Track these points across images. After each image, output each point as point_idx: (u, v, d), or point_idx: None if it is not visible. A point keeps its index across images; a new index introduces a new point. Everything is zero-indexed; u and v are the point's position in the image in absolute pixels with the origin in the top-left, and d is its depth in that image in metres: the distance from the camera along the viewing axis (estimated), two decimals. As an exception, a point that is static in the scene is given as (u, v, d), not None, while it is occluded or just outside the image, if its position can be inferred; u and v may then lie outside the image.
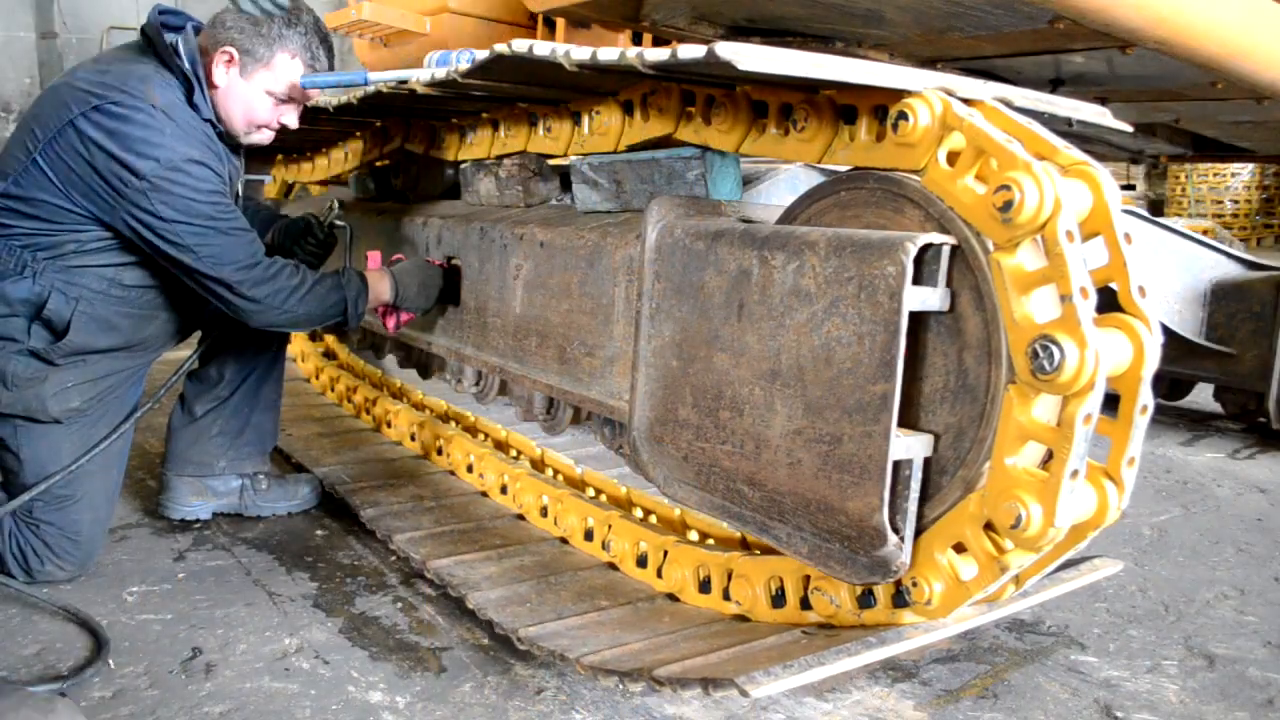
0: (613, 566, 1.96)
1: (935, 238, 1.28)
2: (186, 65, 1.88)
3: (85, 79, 1.81)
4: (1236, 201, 11.61)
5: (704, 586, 1.76)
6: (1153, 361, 1.18)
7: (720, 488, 1.54)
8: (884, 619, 1.41)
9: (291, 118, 2.05)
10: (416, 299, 2.23)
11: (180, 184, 1.77)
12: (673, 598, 1.82)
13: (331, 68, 2.03)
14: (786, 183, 3.08)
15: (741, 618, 1.67)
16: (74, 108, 1.76)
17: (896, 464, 1.30)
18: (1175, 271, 3.36)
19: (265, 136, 2.06)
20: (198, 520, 2.31)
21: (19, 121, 1.91)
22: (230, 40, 1.91)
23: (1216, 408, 3.62)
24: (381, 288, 2.17)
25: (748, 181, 2.06)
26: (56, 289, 1.83)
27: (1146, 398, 1.19)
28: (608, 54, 1.48)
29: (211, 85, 1.93)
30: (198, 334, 2.31)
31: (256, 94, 1.96)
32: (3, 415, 1.88)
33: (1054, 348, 1.13)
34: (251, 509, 2.36)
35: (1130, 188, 10.81)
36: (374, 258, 2.33)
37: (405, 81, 1.91)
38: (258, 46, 1.92)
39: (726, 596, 1.70)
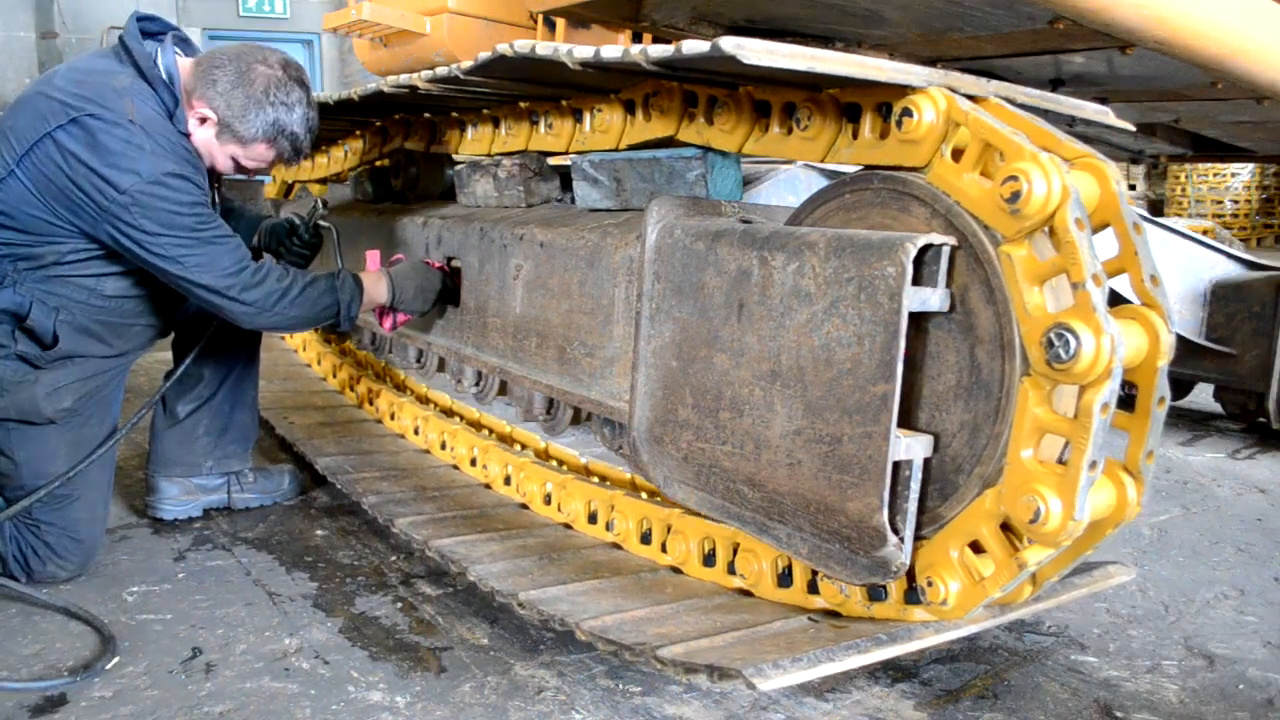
0: (617, 546, 1.97)
1: (935, 238, 1.28)
2: (165, 77, 1.87)
3: (62, 89, 1.79)
4: (1236, 201, 11.61)
5: (708, 560, 1.76)
6: (1169, 351, 1.18)
7: (720, 488, 1.54)
8: (894, 614, 1.40)
9: (256, 168, 2.03)
10: (414, 302, 2.23)
11: (161, 198, 1.76)
12: (676, 570, 1.82)
13: (310, 154, 2.01)
14: (786, 183, 3.08)
15: (745, 592, 1.67)
16: (51, 120, 1.75)
17: (896, 464, 1.30)
18: (1175, 271, 3.36)
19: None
20: (191, 519, 2.32)
21: None
22: (215, 106, 1.88)
23: (1216, 408, 3.62)
24: (378, 290, 2.17)
25: (748, 182, 2.06)
26: (37, 299, 1.84)
27: (1164, 389, 1.19)
28: (611, 52, 1.48)
29: (185, 129, 1.90)
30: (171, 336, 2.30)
31: (223, 154, 1.95)
32: None
33: (1069, 336, 1.12)
34: (240, 503, 2.39)
35: (1130, 188, 10.81)
36: (373, 258, 2.33)
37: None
38: (241, 127, 1.89)
39: (731, 570, 1.70)
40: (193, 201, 1.81)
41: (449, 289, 2.30)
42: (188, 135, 1.90)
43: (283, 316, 1.96)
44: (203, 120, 1.90)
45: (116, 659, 1.64)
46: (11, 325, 1.83)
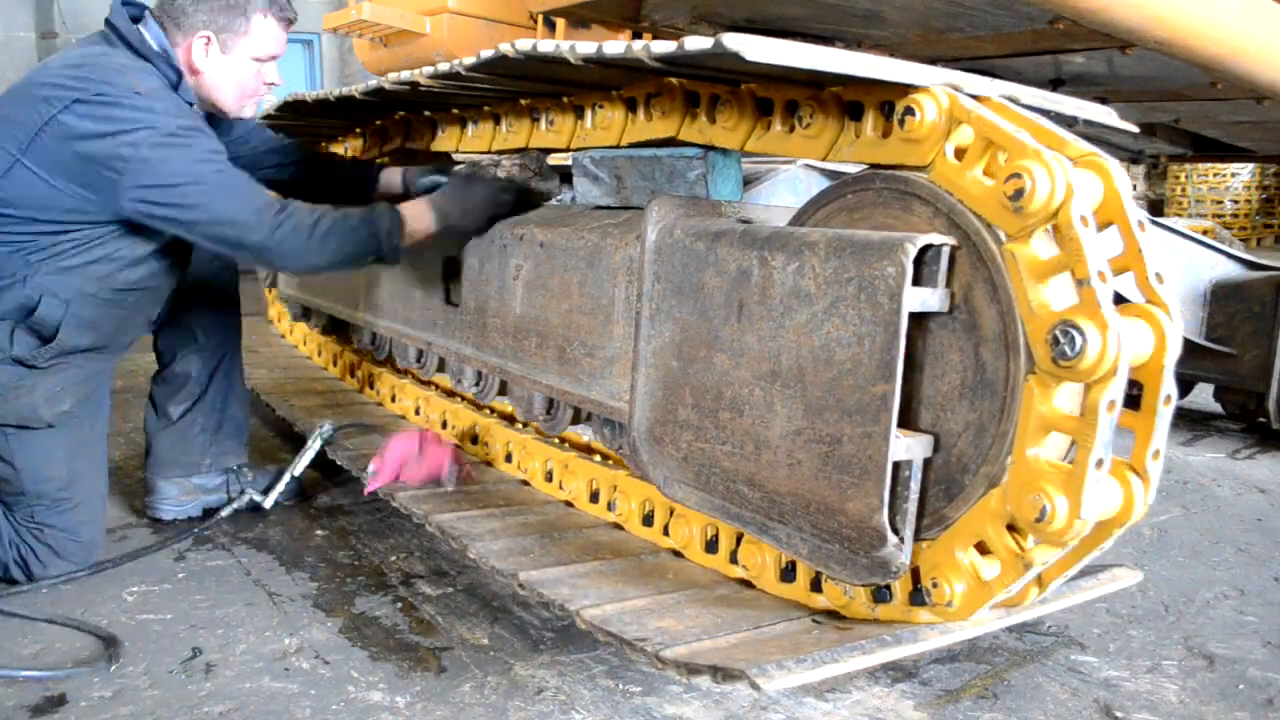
0: (618, 526, 1.96)
1: (936, 238, 1.28)
2: (157, 50, 1.88)
3: (57, 75, 1.79)
4: (1236, 201, 11.62)
5: (711, 546, 1.75)
6: (1175, 349, 1.18)
7: (720, 488, 1.54)
8: (899, 616, 1.39)
9: (273, 73, 2.03)
10: (462, 221, 2.09)
11: (177, 147, 1.77)
12: (677, 554, 1.81)
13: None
14: (786, 183, 3.08)
15: (746, 583, 1.67)
16: (55, 104, 1.74)
17: (896, 465, 1.30)
18: (1175, 272, 3.36)
19: (253, 108, 2.06)
20: (190, 519, 2.31)
21: None
22: (202, 24, 1.89)
23: (1216, 408, 3.62)
24: (421, 219, 2.03)
25: (748, 182, 2.06)
26: (48, 292, 1.83)
27: (1170, 387, 1.19)
28: (614, 48, 1.48)
29: (194, 71, 1.93)
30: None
31: (243, 64, 1.95)
32: None
33: (1074, 333, 1.12)
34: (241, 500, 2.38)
35: (1130, 188, 10.81)
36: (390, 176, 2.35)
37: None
38: (232, 19, 1.90)
39: (734, 560, 1.69)
40: (210, 149, 1.83)
41: (503, 201, 2.12)
42: (193, 106, 1.92)
43: (318, 252, 1.89)
44: (207, 44, 1.90)
45: (116, 664, 1.63)
46: (11, 327, 1.83)
